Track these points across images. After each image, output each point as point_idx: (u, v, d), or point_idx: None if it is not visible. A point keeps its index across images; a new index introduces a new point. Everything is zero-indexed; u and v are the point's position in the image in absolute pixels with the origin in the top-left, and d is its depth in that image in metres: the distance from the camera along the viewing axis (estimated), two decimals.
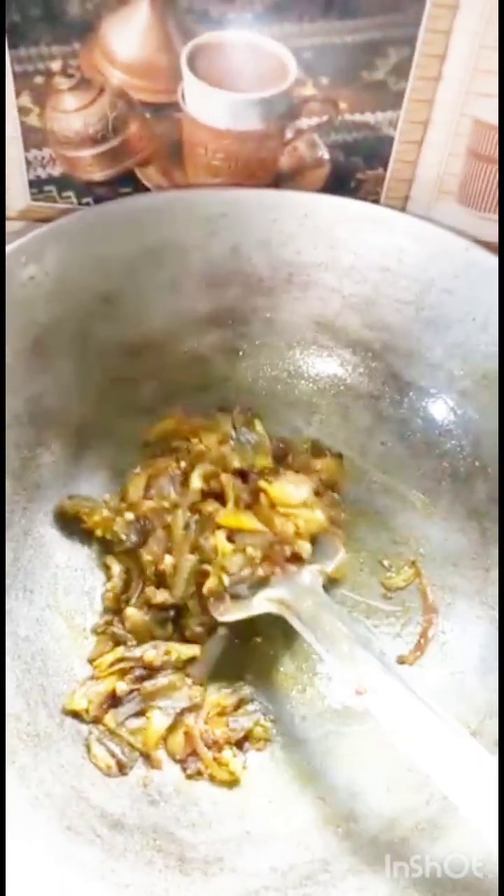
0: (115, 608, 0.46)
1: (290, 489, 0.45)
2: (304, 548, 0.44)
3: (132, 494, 0.48)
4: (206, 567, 0.44)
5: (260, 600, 0.43)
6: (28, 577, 0.45)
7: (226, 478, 0.46)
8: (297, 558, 0.44)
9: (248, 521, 0.45)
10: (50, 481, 0.47)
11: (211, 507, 0.46)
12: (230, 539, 0.44)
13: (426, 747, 0.37)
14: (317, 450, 0.51)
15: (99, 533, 0.47)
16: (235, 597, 0.44)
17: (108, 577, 0.47)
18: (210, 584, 0.44)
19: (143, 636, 0.45)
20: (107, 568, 0.47)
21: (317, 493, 0.47)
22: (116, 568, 0.46)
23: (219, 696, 0.44)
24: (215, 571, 0.43)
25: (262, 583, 0.44)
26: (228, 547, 0.44)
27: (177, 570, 0.45)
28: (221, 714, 0.44)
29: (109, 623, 0.46)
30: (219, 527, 0.44)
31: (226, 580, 0.43)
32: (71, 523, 0.47)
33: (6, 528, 0.45)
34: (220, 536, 0.44)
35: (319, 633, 0.41)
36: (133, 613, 0.45)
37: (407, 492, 0.50)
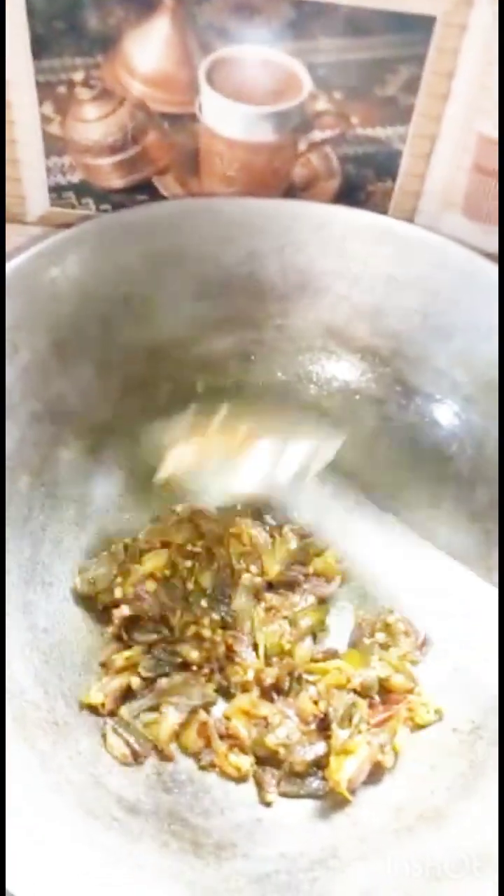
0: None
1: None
2: None
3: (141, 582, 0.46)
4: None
5: None
6: (46, 570, 0.45)
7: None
8: None
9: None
10: (68, 478, 0.47)
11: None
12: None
13: None
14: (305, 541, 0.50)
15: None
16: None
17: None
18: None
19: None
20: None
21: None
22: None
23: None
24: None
25: None
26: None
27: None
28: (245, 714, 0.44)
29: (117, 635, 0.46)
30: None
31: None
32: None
33: (25, 524, 0.45)
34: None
35: None
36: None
37: (413, 493, 0.51)
